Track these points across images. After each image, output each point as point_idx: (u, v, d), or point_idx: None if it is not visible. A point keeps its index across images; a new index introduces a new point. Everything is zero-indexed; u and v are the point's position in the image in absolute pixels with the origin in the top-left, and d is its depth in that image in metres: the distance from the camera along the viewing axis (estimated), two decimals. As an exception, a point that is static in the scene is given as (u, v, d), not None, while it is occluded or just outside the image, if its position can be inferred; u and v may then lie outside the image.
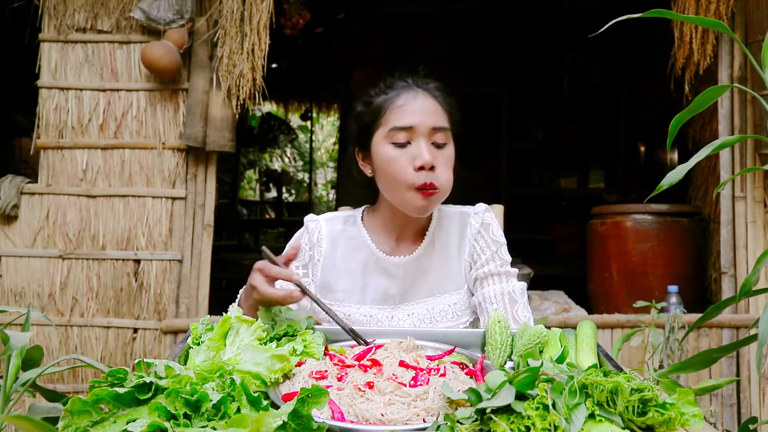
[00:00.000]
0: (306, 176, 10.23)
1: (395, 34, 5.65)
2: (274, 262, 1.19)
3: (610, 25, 1.02)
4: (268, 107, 8.44)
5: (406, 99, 1.39)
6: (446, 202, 1.55)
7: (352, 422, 0.85)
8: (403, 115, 1.38)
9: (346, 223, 1.53)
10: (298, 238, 1.53)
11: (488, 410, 0.78)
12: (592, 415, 0.78)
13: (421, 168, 1.34)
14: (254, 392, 0.83)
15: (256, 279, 1.18)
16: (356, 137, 1.47)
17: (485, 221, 1.52)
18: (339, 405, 0.88)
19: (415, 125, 1.36)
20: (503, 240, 1.52)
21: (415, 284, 1.48)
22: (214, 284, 3.01)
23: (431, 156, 1.35)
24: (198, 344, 1.09)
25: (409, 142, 1.37)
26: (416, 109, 1.38)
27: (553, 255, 5.30)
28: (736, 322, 2.84)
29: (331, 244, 1.50)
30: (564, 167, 5.96)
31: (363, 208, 1.56)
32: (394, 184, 1.38)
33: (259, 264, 1.19)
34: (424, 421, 0.85)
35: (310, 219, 1.54)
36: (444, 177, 1.38)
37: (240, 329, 1.06)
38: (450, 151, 1.41)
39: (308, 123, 9.21)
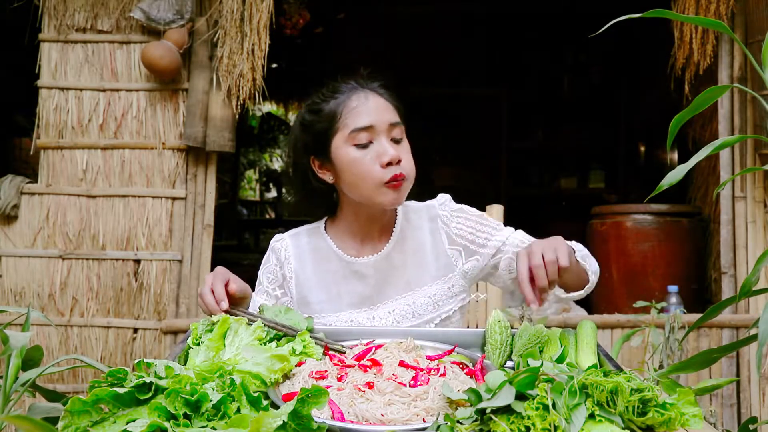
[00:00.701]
0: (306, 176, 10.20)
1: (395, 34, 5.65)
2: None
3: (610, 25, 1.02)
4: (268, 107, 8.44)
5: (358, 100, 1.42)
6: (428, 198, 1.57)
7: (352, 422, 0.85)
8: (360, 116, 1.40)
9: (311, 235, 1.54)
10: (266, 261, 1.55)
11: (488, 410, 0.78)
12: (592, 415, 0.78)
13: (389, 164, 1.38)
14: (254, 392, 0.83)
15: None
16: (311, 146, 1.47)
17: (453, 207, 1.55)
18: (339, 405, 0.88)
19: (374, 124, 1.39)
20: (480, 212, 1.57)
21: (389, 282, 1.49)
22: (214, 284, 3.00)
23: (395, 150, 1.39)
24: (198, 344, 1.09)
25: (370, 142, 1.40)
26: (371, 108, 1.41)
27: (553, 255, 5.28)
28: (736, 322, 2.84)
29: (298, 259, 1.51)
30: (564, 167, 5.96)
31: (324, 219, 1.57)
32: (362, 184, 1.40)
33: (204, 289, 1.27)
34: (424, 421, 0.85)
35: (275, 239, 1.56)
36: (409, 166, 1.42)
37: (240, 329, 1.06)
38: (407, 144, 1.45)
39: (308, 123, 9.19)
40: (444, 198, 1.57)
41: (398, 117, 1.44)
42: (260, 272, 1.55)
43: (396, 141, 1.42)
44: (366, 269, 1.48)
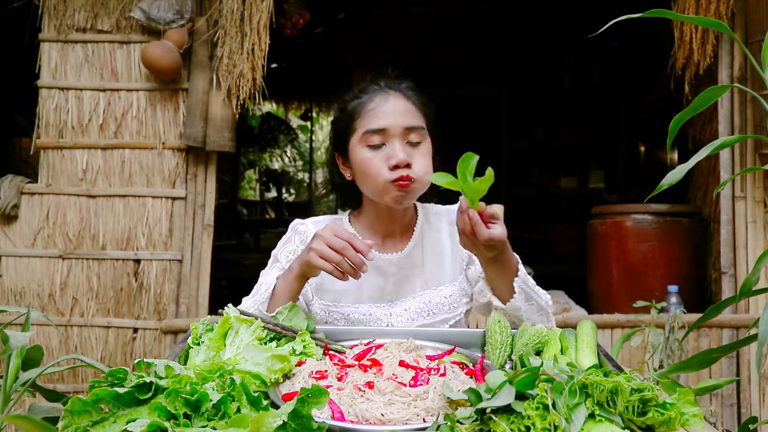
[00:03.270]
0: (306, 176, 10.22)
1: (395, 34, 5.64)
2: None
3: (610, 25, 1.02)
4: (268, 107, 8.44)
5: (378, 102, 1.42)
6: (442, 201, 1.57)
7: (352, 422, 0.85)
8: (376, 117, 1.41)
9: (336, 223, 1.54)
10: (287, 241, 1.54)
11: (488, 410, 0.78)
12: (592, 415, 0.78)
13: (396, 167, 1.37)
14: (254, 392, 0.83)
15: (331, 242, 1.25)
16: (335, 143, 1.51)
17: None
18: (339, 405, 0.88)
19: (387, 127, 1.39)
20: None
21: (408, 280, 1.50)
22: (214, 284, 3.00)
23: (405, 154, 1.38)
24: (198, 344, 1.09)
25: (384, 144, 1.40)
26: (388, 110, 1.41)
27: (553, 255, 5.29)
28: (736, 322, 2.84)
29: None
30: (564, 167, 5.95)
31: (348, 212, 1.58)
32: (371, 183, 1.41)
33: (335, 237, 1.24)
34: (424, 421, 0.85)
35: (298, 222, 1.56)
36: (421, 170, 1.40)
37: (240, 329, 1.06)
38: (426, 147, 1.44)
39: (308, 123, 9.22)
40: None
41: (419, 121, 1.43)
42: (277, 251, 1.53)
43: (413, 144, 1.41)
44: (388, 266, 1.49)
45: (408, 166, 1.38)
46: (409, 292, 1.50)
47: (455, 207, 1.54)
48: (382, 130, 1.39)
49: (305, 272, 1.31)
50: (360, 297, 1.48)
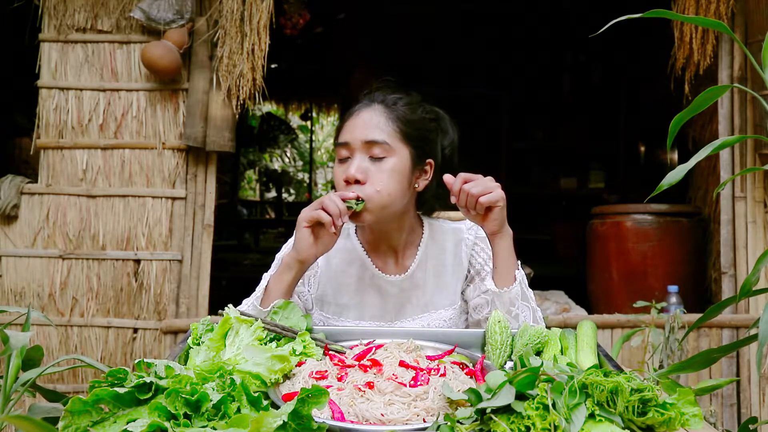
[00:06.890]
0: (306, 176, 10.23)
1: (395, 34, 5.64)
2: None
3: (610, 25, 1.02)
4: (268, 107, 8.44)
5: (351, 116, 1.41)
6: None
7: (352, 422, 0.85)
8: (343, 132, 1.40)
9: (340, 235, 1.52)
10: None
11: (488, 410, 0.78)
12: (592, 415, 0.78)
13: (347, 182, 1.35)
14: (254, 392, 0.83)
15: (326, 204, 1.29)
16: None
17: (479, 234, 1.51)
18: (339, 405, 0.88)
19: (349, 141, 1.37)
20: None
21: (410, 301, 1.48)
22: (214, 284, 3.00)
23: (356, 170, 1.34)
24: (198, 344, 1.09)
25: (349, 158, 1.38)
26: (355, 125, 1.39)
27: (553, 255, 5.29)
28: (736, 322, 2.84)
29: (326, 255, 1.46)
30: (564, 167, 5.96)
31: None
32: None
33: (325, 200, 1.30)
34: (424, 421, 0.85)
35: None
36: (371, 189, 1.33)
37: (240, 329, 1.06)
38: (390, 164, 1.36)
39: (308, 123, 9.22)
40: (471, 223, 1.52)
41: (385, 135, 1.36)
42: (282, 254, 1.48)
43: (375, 159, 1.35)
44: (391, 287, 1.47)
45: (358, 182, 1.34)
46: (409, 313, 1.47)
47: (461, 226, 1.52)
48: (345, 144, 1.38)
49: (298, 251, 1.28)
50: (362, 314, 1.46)
